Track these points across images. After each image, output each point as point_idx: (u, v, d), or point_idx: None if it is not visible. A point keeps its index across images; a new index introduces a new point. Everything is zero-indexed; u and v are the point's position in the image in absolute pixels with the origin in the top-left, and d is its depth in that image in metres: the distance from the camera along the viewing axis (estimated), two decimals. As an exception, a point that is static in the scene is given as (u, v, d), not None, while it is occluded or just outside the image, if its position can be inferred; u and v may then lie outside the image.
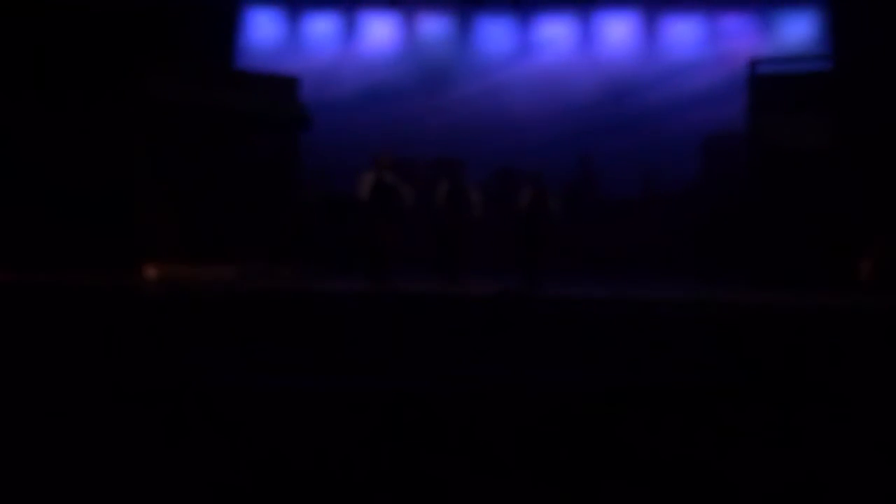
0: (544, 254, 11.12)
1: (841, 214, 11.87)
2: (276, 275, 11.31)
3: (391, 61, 16.27)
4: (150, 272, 10.68)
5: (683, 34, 15.91)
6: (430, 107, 15.97)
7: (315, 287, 9.62)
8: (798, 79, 12.53)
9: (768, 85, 12.70)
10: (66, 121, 11.38)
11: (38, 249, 10.36)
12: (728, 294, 9.59)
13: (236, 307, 5.89)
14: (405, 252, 11.43)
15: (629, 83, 15.71)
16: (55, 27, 11.61)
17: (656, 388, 3.55)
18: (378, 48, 16.33)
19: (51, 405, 2.87)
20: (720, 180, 15.55)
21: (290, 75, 12.74)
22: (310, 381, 3.51)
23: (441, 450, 2.56)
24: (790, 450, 2.64)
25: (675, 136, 15.45)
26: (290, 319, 5.14)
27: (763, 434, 2.84)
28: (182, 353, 4.10)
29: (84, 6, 11.94)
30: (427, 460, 2.45)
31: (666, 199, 15.78)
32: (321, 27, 16.42)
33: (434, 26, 16.36)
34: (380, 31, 16.37)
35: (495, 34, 16.32)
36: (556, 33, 16.16)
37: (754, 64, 12.78)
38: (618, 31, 16.03)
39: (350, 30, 16.45)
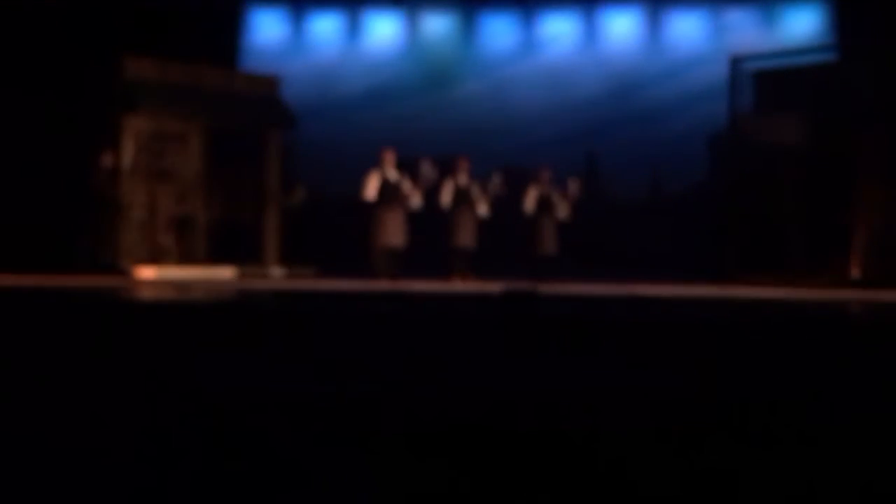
0: (550, 252, 11.06)
1: (822, 211, 11.91)
2: (269, 275, 11.23)
3: (395, 60, 16.21)
4: (144, 273, 10.58)
5: (687, 30, 15.82)
6: (435, 105, 15.91)
7: (311, 287, 9.55)
8: (781, 75, 12.54)
9: (754, 82, 12.77)
10: (58, 121, 11.36)
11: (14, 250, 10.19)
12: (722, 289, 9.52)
13: (234, 308, 5.84)
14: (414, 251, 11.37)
15: (633, 79, 15.62)
16: (48, 30, 11.57)
17: (661, 389, 3.48)
18: (382, 47, 16.26)
19: (47, 409, 2.80)
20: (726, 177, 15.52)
21: (272, 74, 12.61)
22: (308, 384, 3.45)
23: (447, 454, 2.50)
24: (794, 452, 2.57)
25: (681, 132, 15.37)
26: (287, 321, 5.09)
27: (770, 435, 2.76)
28: (182, 355, 4.05)
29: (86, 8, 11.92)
30: (431, 464, 2.38)
31: (674, 196, 15.74)
32: (325, 26, 16.36)
33: (437, 24, 16.29)
34: (383, 30, 16.31)
35: (499, 32, 16.25)
36: (559, 30, 16.08)
37: (736, 61, 12.79)
38: (621, 28, 15.95)
39: (354, 29, 16.38)
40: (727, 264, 12.47)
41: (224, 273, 10.83)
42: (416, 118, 15.76)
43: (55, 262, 10.19)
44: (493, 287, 7.76)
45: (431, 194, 10.86)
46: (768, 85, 12.63)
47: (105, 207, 11.04)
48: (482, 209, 10.89)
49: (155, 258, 10.93)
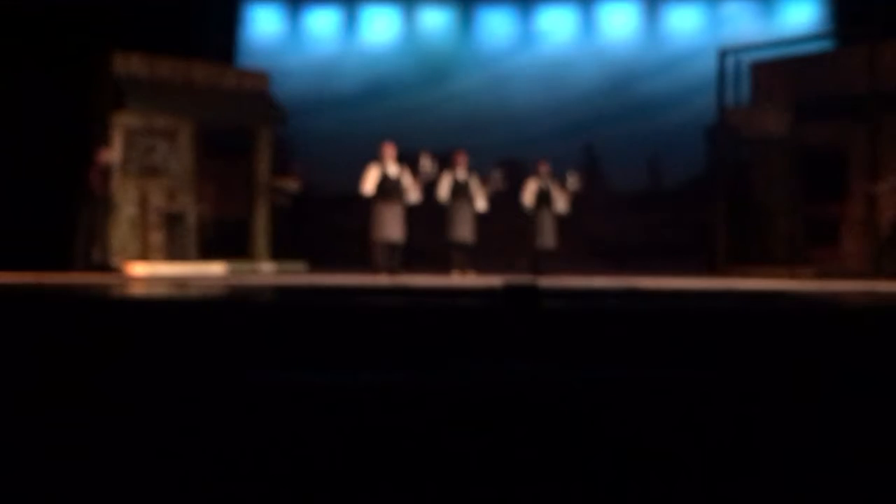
0: (549, 246, 11.00)
1: (813, 203, 11.86)
2: (259, 271, 11.15)
3: (392, 54, 16.14)
4: (134, 270, 10.52)
5: (684, 22, 15.76)
6: (433, 99, 15.85)
7: (302, 283, 9.48)
8: (776, 66, 12.50)
9: (750, 73, 12.75)
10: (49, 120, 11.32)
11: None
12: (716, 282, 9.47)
13: (231, 304, 5.79)
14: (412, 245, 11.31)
15: (631, 72, 15.56)
16: (39, 26, 11.50)
17: (664, 380, 3.44)
18: (379, 41, 16.19)
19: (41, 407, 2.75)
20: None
21: (263, 70, 12.53)
22: (308, 376, 3.41)
23: (442, 445, 2.46)
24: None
25: (679, 124, 15.31)
26: (282, 316, 5.04)
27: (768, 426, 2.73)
28: (179, 350, 4.00)
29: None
30: (428, 457, 2.35)
31: (672, 188, 15.71)
32: (322, 21, 16.28)
33: (435, 19, 16.22)
34: (381, 25, 16.23)
35: (496, 25, 16.18)
36: (557, 24, 16.01)
37: (724, 54, 12.72)
38: (619, 21, 15.87)
39: (351, 23, 16.30)
40: (718, 256, 12.48)
41: (215, 269, 10.77)
42: (414, 112, 15.70)
43: (51, 261, 10.14)
44: (493, 281, 7.71)
45: (430, 189, 10.81)
46: (764, 76, 12.59)
47: (96, 205, 10.99)
48: (480, 203, 10.85)
49: (146, 255, 10.88)
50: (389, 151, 10.53)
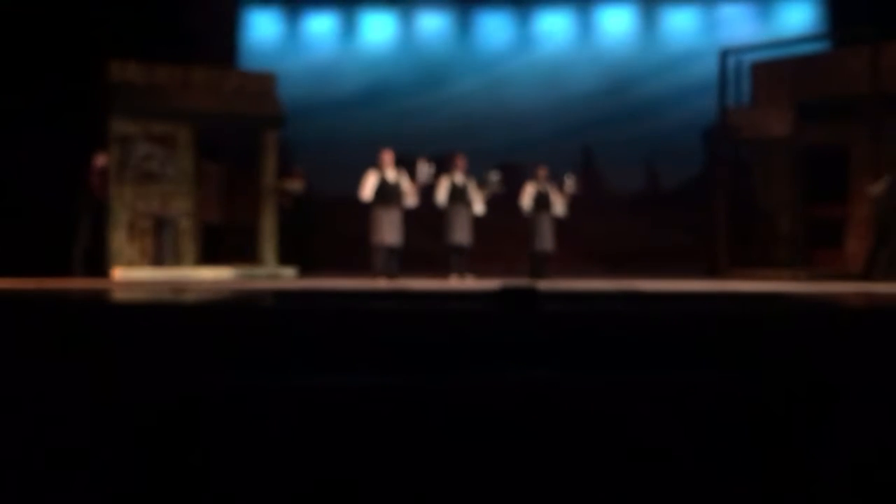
0: (548, 249, 10.95)
1: (815, 204, 11.76)
2: (266, 275, 11.08)
3: (391, 58, 16.10)
4: (117, 275, 10.45)
5: (681, 25, 15.73)
6: (431, 102, 15.82)
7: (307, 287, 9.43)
8: (776, 66, 12.40)
9: (751, 74, 12.64)
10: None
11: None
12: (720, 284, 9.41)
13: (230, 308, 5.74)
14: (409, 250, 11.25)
15: (629, 74, 15.53)
16: (38, 33, 11.46)
17: (662, 383, 3.39)
18: (378, 45, 16.16)
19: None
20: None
21: (266, 71, 12.46)
22: (305, 379, 3.36)
23: (441, 448, 2.41)
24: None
25: (676, 126, 15.29)
26: (278, 320, 5.00)
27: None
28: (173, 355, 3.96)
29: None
30: (428, 458, 2.29)
31: (670, 190, 15.67)
32: (320, 25, 16.24)
33: (433, 22, 16.18)
34: (379, 28, 16.20)
35: (494, 29, 16.14)
36: (554, 27, 15.97)
37: (725, 54, 12.61)
38: (616, 23, 15.84)
39: (349, 27, 16.27)
40: (719, 259, 12.36)
41: (209, 274, 10.71)
42: (412, 115, 15.66)
43: (52, 267, 10.10)
44: (491, 285, 7.66)
45: (428, 193, 10.76)
46: (764, 76, 12.51)
47: (97, 210, 10.95)
48: (478, 207, 10.80)
49: (139, 261, 10.82)
50: (388, 157, 10.50)
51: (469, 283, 9.60)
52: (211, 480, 2.35)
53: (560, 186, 11.09)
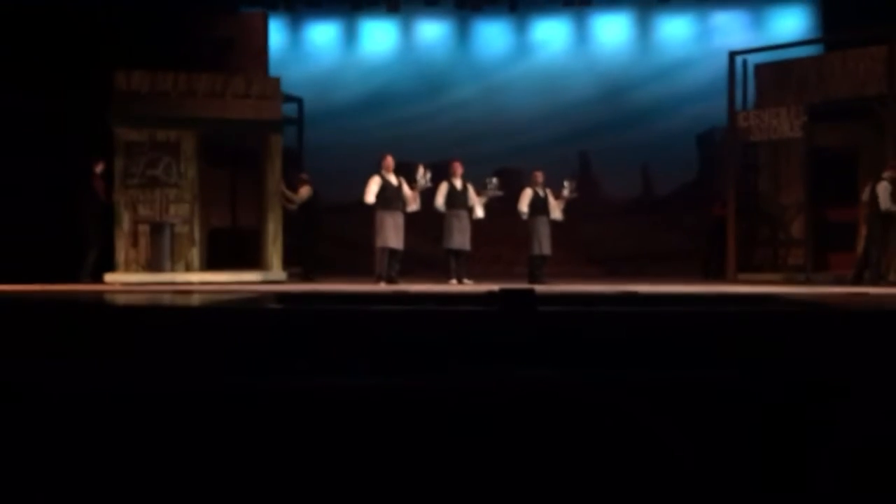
0: (545, 253, 10.96)
1: (823, 207, 11.52)
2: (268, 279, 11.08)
3: (391, 66, 16.16)
4: (113, 280, 10.47)
5: (676, 32, 15.77)
6: (430, 109, 15.86)
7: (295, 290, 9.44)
8: (782, 68, 12.15)
9: (755, 76, 12.32)
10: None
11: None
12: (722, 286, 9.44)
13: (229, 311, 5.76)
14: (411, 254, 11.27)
15: (624, 81, 15.57)
16: (45, 42, 11.52)
17: (659, 384, 3.41)
18: (378, 53, 16.21)
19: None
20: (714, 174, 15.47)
21: (271, 76, 12.50)
22: (302, 381, 3.38)
23: (439, 449, 2.43)
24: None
25: (672, 132, 15.33)
26: (275, 321, 5.02)
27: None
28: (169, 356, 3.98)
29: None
30: (426, 459, 2.32)
31: (665, 195, 15.68)
32: (322, 34, 16.30)
33: (433, 31, 16.23)
34: (380, 37, 16.25)
35: (492, 37, 16.19)
36: (551, 34, 16.02)
37: (734, 55, 12.41)
38: (612, 30, 15.89)
39: (350, 36, 16.33)
40: (728, 262, 12.04)
41: (211, 278, 10.71)
42: (412, 122, 15.71)
43: (61, 274, 10.14)
44: (490, 288, 7.70)
45: (428, 198, 10.79)
46: (769, 79, 12.18)
47: (100, 218, 10.99)
48: (478, 211, 10.83)
49: (146, 265, 10.83)
50: (389, 162, 10.55)
51: (468, 288, 9.62)
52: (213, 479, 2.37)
53: (557, 191, 11.11)
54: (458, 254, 10.65)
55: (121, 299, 7.21)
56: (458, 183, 10.70)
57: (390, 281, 10.22)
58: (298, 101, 15.12)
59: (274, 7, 15.48)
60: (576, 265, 15.17)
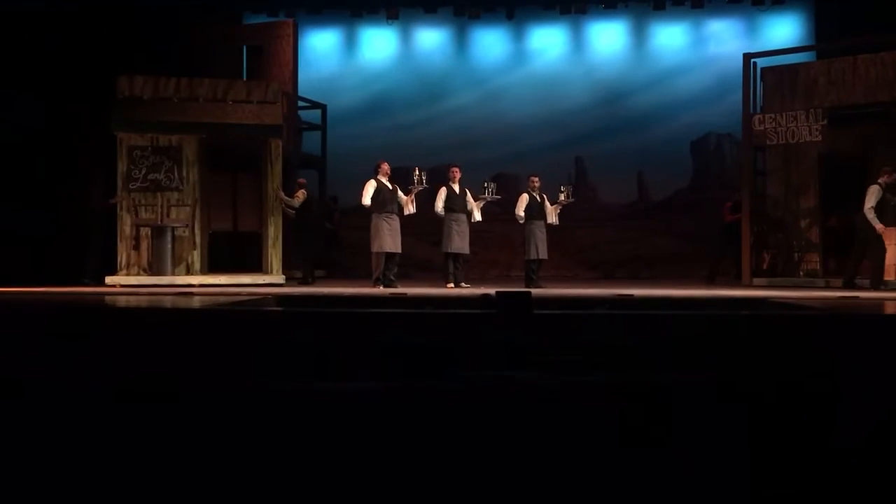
0: (542, 257, 10.98)
1: (838, 211, 11.24)
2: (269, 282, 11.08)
3: (391, 73, 16.19)
4: (113, 282, 10.47)
5: (671, 39, 15.81)
6: (429, 116, 15.90)
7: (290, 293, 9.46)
8: (783, 72, 11.94)
9: (766, 79, 12.01)
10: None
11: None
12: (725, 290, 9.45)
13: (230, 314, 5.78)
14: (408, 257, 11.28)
15: (620, 87, 15.61)
16: (49, 49, 11.54)
17: (654, 386, 3.42)
18: (378, 60, 16.25)
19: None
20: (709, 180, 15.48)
21: (272, 81, 12.50)
22: (300, 384, 3.39)
23: (438, 449, 2.44)
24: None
25: (667, 138, 15.37)
26: (273, 324, 5.03)
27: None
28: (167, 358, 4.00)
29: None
30: (425, 459, 2.33)
31: (661, 200, 15.68)
32: (322, 41, 16.34)
33: (431, 38, 16.27)
34: (379, 44, 16.29)
35: (490, 44, 16.23)
36: (549, 41, 16.06)
37: (748, 57, 12.17)
38: (608, 38, 15.92)
39: (350, 43, 16.36)
40: (742, 268, 11.82)
41: (216, 281, 10.71)
42: (411, 128, 15.74)
43: (64, 277, 10.15)
44: (487, 292, 7.72)
45: (425, 202, 10.82)
46: (775, 82, 11.93)
47: (102, 222, 11.00)
48: (475, 215, 10.85)
49: (151, 269, 10.84)
50: (385, 167, 10.58)
51: (466, 290, 9.63)
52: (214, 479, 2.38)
53: (554, 196, 11.13)
54: (456, 257, 10.66)
55: (122, 301, 7.22)
56: (456, 188, 10.73)
57: (388, 284, 10.23)
58: (322, 107, 15.20)
59: (275, 14, 15.53)
60: (571, 269, 15.21)
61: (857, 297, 8.11)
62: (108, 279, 10.49)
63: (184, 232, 11.04)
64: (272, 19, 15.03)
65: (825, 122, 11.20)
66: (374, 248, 10.39)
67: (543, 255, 10.94)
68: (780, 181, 11.89)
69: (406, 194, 10.58)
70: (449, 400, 3.10)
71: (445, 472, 2.29)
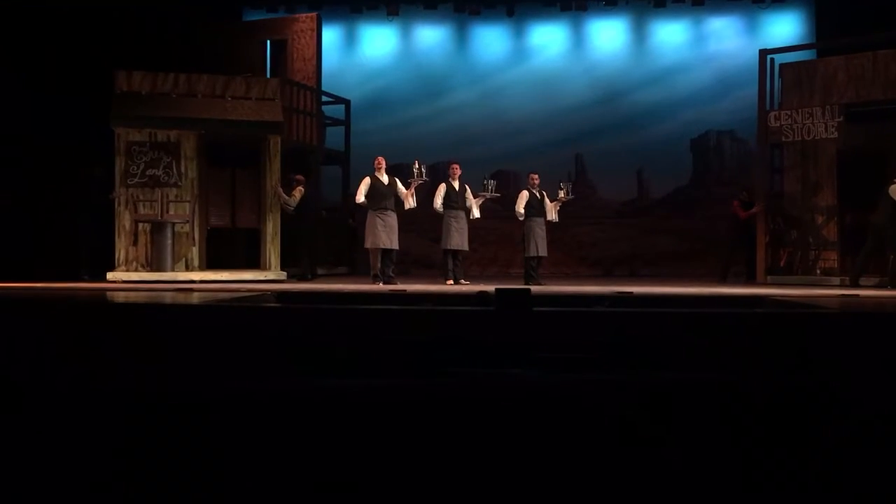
0: (541, 254, 10.96)
1: (856, 210, 11.05)
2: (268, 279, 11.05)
3: (391, 69, 16.16)
4: (114, 277, 10.43)
5: (671, 37, 15.78)
6: (429, 112, 15.88)
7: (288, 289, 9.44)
8: (800, 68, 11.82)
9: (784, 75, 11.84)
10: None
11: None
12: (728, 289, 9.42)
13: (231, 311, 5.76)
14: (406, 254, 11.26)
15: (620, 85, 15.58)
16: (49, 44, 11.52)
17: (652, 385, 3.41)
18: (377, 57, 16.21)
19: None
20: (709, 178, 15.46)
21: (272, 78, 12.46)
22: (300, 382, 3.37)
23: (439, 449, 2.43)
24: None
25: (666, 136, 15.35)
26: (273, 323, 5.02)
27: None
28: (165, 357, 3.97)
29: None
30: (426, 459, 2.31)
31: (660, 198, 15.67)
32: (323, 38, 16.28)
33: (432, 35, 16.24)
34: (379, 41, 16.26)
35: (490, 41, 16.19)
36: (549, 38, 16.03)
37: (765, 53, 12.02)
38: (608, 36, 15.89)
39: (350, 40, 16.33)
40: (758, 267, 11.67)
41: (215, 277, 10.67)
42: (411, 125, 15.72)
43: (61, 273, 10.11)
44: (486, 289, 7.70)
45: (425, 198, 10.80)
46: (793, 78, 11.76)
47: (100, 218, 10.97)
48: (474, 212, 10.83)
49: (150, 265, 10.80)
50: (380, 162, 10.56)
51: (465, 287, 9.61)
52: (215, 480, 2.36)
53: (553, 193, 11.10)
54: (455, 254, 10.65)
55: (122, 297, 7.20)
56: (456, 184, 10.71)
57: (387, 281, 10.21)
58: (346, 102, 15.17)
59: (274, 11, 15.50)
60: (571, 266, 15.20)
61: (856, 296, 8.10)
62: (109, 275, 10.45)
63: (183, 228, 11.00)
64: (275, 15, 14.98)
65: (842, 118, 11.02)
66: (368, 244, 10.39)
67: (543, 252, 10.92)
68: (797, 178, 11.72)
69: (406, 188, 10.55)
70: (447, 397, 3.09)
71: (443, 470, 2.27)
